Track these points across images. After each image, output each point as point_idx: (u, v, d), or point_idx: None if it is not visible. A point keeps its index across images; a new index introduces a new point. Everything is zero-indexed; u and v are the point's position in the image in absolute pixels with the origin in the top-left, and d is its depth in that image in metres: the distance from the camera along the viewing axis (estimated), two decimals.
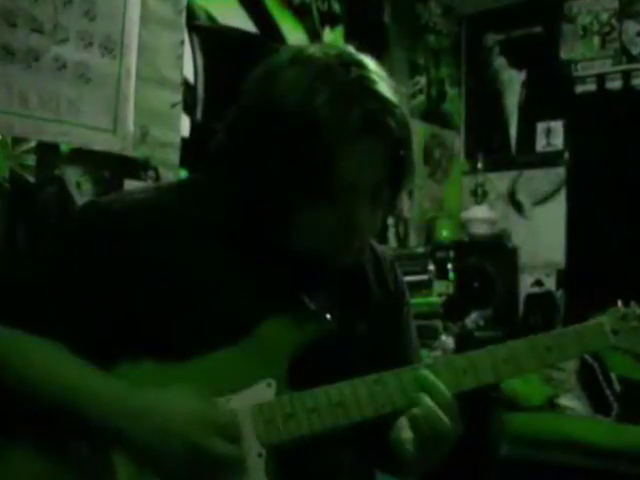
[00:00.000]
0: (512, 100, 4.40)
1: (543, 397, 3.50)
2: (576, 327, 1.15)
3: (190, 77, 3.06)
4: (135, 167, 2.82)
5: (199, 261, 1.15)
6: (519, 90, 4.38)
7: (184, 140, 2.99)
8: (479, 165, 4.44)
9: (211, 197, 1.19)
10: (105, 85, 2.70)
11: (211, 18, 3.14)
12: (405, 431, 1.13)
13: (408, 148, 1.12)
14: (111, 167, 2.74)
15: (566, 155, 4.20)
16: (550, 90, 4.23)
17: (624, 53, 4.02)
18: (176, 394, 1.08)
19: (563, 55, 4.20)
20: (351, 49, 1.14)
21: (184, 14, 2.99)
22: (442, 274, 3.83)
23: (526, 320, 4.11)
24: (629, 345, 1.13)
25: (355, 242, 1.14)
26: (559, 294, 4.14)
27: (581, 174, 4.13)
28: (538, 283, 4.21)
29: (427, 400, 1.09)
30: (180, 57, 2.98)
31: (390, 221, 3.99)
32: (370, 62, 1.12)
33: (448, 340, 3.52)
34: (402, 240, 4.12)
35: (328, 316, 1.15)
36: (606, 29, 4.07)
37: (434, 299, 3.67)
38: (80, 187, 2.64)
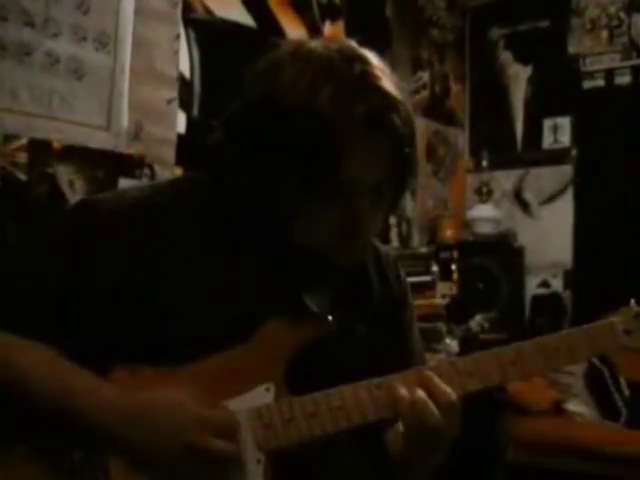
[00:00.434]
0: (518, 96, 4.41)
1: (550, 402, 3.50)
2: (586, 327, 1.15)
3: (186, 72, 3.06)
4: (130, 165, 2.81)
5: (196, 261, 1.15)
6: (525, 85, 4.38)
7: (180, 137, 2.99)
8: (484, 163, 4.44)
9: (209, 195, 1.19)
10: (99, 81, 2.69)
11: (208, 11, 3.13)
12: (397, 428, 1.13)
13: (412, 145, 1.13)
14: (105, 165, 2.73)
15: (573, 152, 4.20)
16: (557, 85, 4.23)
17: (633, 47, 4.02)
18: (172, 395, 1.07)
19: (570, 49, 4.20)
20: (353, 44, 1.14)
21: (180, 7, 2.99)
22: (446, 275, 3.83)
23: (532, 323, 4.12)
24: None
25: (357, 240, 1.14)
26: (566, 295, 4.14)
27: (589, 172, 4.13)
28: (545, 284, 4.21)
29: (418, 391, 1.08)
30: (176, 51, 2.98)
31: (392, 221, 3.99)
32: (373, 57, 1.12)
33: (452, 343, 3.53)
34: (405, 240, 4.11)
35: (329, 317, 1.15)
36: (615, 23, 4.07)
37: (437, 301, 3.67)
38: (73, 185, 2.63)
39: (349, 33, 3.68)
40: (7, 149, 2.47)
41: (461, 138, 4.55)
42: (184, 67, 3.04)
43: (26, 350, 1.09)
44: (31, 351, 1.09)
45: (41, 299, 1.10)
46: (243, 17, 3.26)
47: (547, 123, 4.28)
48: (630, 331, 1.13)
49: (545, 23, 4.31)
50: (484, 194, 4.34)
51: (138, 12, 2.81)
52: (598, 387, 3.41)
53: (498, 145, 4.44)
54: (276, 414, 1.10)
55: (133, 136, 2.81)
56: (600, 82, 4.10)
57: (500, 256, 4.11)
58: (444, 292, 3.76)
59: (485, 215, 4.27)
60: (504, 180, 4.41)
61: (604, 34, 4.11)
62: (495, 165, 4.42)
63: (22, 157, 2.50)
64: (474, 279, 4.00)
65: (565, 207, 4.18)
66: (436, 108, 4.37)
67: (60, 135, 2.60)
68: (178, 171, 2.94)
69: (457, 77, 4.53)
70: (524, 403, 3.42)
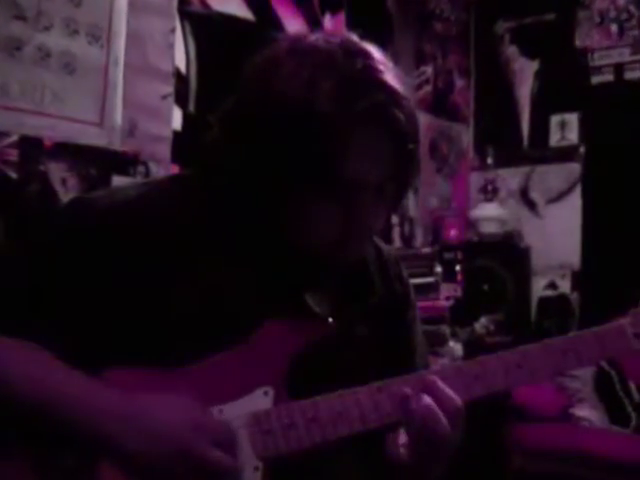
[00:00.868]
0: (524, 91, 4.41)
1: (557, 407, 3.50)
2: (595, 330, 1.15)
3: (182, 67, 3.06)
4: (124, 162, 2.82)
5: (193, 261, 1.14)
6: (532, 81, 4.39)
7: (176, 134, 2.99)
8: (489, 160, 4.44)
9: (206, 194, 1.19)
10: (91, 75, 2.70)
11: (205, 4, 3.14)
12: (401, 435, 1.13)
13: (415, 142, 1.13)
14: (98, 162, 2.74)
15: (581, 150, 4.20)
16: (565, 81, 4.23)
17: None
18: (168, 400, 1.07)
19: (578, 43, 4.21)
20: (355, 37, 1.14)
21: None
22: (450, 276, 3.84)
23: (539, 325, 4.12)
24: None
25: (357, 240, 1.15)
26: (574, 297, 4.14)
27: (597, 170, 4.13)
28: (552, 286, 4.22)
29: (426, 398, 1.08)
30: (171, 46, 2.98)
31: (395, 220, 4.00)
32: (375, 51, 1.12)
33: (456, 346, 3.53)
34: (407, 240, 4.12)
35: (330, 318, 1.15)
36: (624, 16, 4.08)
37: (441, 303, 3.67)
38: (65, 184, 2.64)
39: (350, 26, 3.68)
40: None
41: (465, 135, 4.56)
42: (180, 61, 3.05)
43: (16, 350, 1.08)
44: (22, 351, 1.08)
45: (34, 299, 1.10)
46: (241, 10, 3.27)
47: (554, 119, 4.29)
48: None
49: (552, 16, 4.31)
50: (489, 193, 4.34)
51: (132, 5, 2.81)
52: (607, 392, 3.42)
53: (503, 142, 4.44)
54: (275, 420, 1.10)
55: (127, 133, 2.81)
56: (609, 77, 4.11)
57: (506, 257, 4.12)
58: (448, 294, 3.76)
59: (490, 214, 4.27)
60: (510, 178, 4.41)
61: (613, 27, 4.11)
62: (500, 163, 4.42)
63: (13, 155, 2.51)
64: (479, 280, 4.00)
65: (573, 206, 4.18)
66: (440, 104, 4.37)
67: (52, 132, 2.60)
68: (174, 169, 2.94)
69: (461, 72, 4.53)
70: (531, 409, 3.42)
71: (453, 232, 4.25)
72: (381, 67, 1.09)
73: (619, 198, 3.96)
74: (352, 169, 1.08)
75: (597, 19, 4.16)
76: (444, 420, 1.08)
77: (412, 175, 1.17)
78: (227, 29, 3.20)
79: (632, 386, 3.33)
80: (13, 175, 2.51)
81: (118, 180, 2.76)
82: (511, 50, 4.48)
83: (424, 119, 4.12)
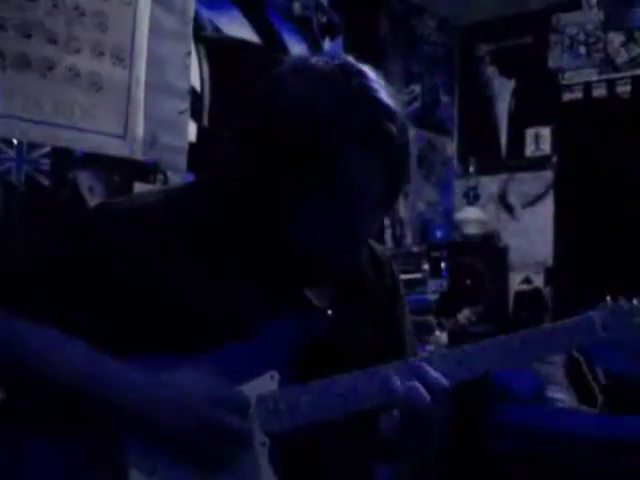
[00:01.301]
0: (502, 107, 4.40)
1: (532, 389, 3.49)
2: (566, 321, 1.14)
3: (197, 85, 3.06)
4: (144, 171, 2.81)
5: (204, 260, 1.14)
6: (509, 98, 4.38)
7: (191, 145, 2.99)
8: (471, 169, 4.44)
9: (217, 198, 1.19)
10: (116, 93, 2.69)
11: (217, 29, 3.13)
12: (392, 415, 1.13)
13: (407, 152, 1.13)
14: (122, 171, 2.73)
15: (554, 159, 4.19)
16: (539, 98, 4.22)
17: (609, 63, 4.01)
18: (188, 373, 1.07)
19: (551, 64, 4.20)
20: (351, 59, 1.14)
21: (191, 26, 2.99)
22: (436, 272, 3.83)
23: (516, 317, 4.11)
24: (618, 339, 1.12)
25: (355, 242, 1.15)
26: (547, 292, 4.13)
27: (568, 177, 4.12)
28: (527, 281, 4.21)
29: (411, 379, 1.08)
30: (187, 66, 2.98)
31: (387, 222, 3.99)
32: (370, 71, 1.12)
33: (442, 335, 3.53)
34: (398, 240, 4.11)
35: (329, 312, 1.15)
36: (592, 40, 4.07)
37: (428, 296, 3.66)
38: (92, 190, 2.63)
39: (347, 49, 3.68)
40: (32, 156, 2.47)
41: (450, 146, 4.55)
42: (195, 81, 3.05)
43: (44, 334, 1.08)
44: (49, 336, 1.08)
45: (62, 292, 1.10)
46: (250, 35, 3.26)
47: (529, 132, 4.28)
48: (607, 326, 1.13)
49: (528, 40, 4.31)
50: (471, 198, 4.33)
51: (153, 30, 2.81)
52: (576, 376, 3.41)
53: (484, 152, 4.43)
54: (280, 400, 1.10)
55: (148, 144, 2.81)
56: (578, 95, 4.10)
57: (486, 255, 4.11)
58: (434, 288, 3.76)
59: (472, 217, 4.26)
60: (490, 185, 4.40)
61: (582, 50, 4.11)
62: (481, 171, 4.41)
63: (45, 164, 2.51)
64: (462, 276, 3.99)
65: (546, 210, 4.17)
66: (427, 118, 4.36)
67: (81, 143, 2.60)
68: (189, 177, 2.94)
69: (446, 90, 4.52)
70: (508, 391, 3.42)
71: (439, 233, 4.24)
72: (376, 86, 1.09)
73: (588, 202, 3.96)
74: (351, 179, 1.08)
75: (568, 42, 4.15)
76: (427, 398, 1.07)
77: (404, 182, 1.17)
78: (237, 52, 3.19)
79: (599, 370, 3.33)
80: (46, 182, 2.51)
81: (139, 187, 2.76)
82: (491, 70, 4.47)
83: (413, 132, 4.11)
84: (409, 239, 4.18)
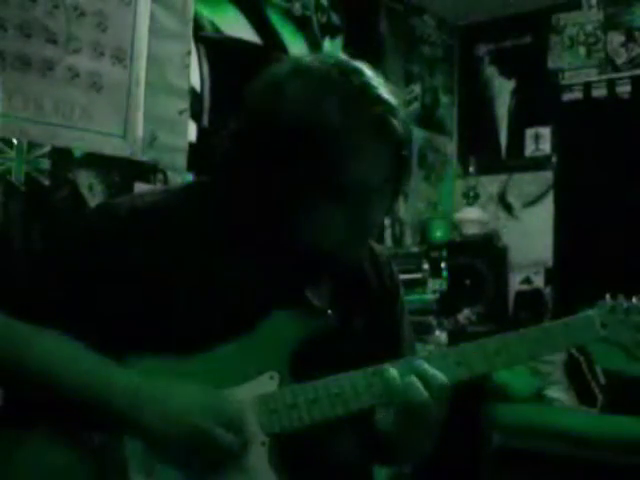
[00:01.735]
0: (502, 107, 4.40)
1: (531, 389, 3.49)
2: (565, 320, 1.14)
3: (197, 85, 3.06)
4: (144, 171, 2.82)
5: (205, 259, 1.14)
6: (509, 98, 4.38)
7: (191, 145, 2.99)
8: (471, 169, 4.44)
9: (218, 198, 1.19)
10: (116, 93, 2.70)
11: (217, 29, 3.13)
12: (387, 414, 1.13)
13: (409, 146, 1.13)
14: (121, 171, 2.73)
15: (553, 159, 4.20)
16: (538, 98, 4.23)
17: (609, 63, 4.01)
18: (186, 385, 1.07)
19: (551, 64, 4.20)
20: (345, 57, 1.14)
21: (191, 25, 2.99)
22: (436, 272, 3.83)
23: (516, 316, 4.11)
24: (617, 337, 1.12)
25: (361, 237, 1.15)
26: (547, 291, 4.13)
27: (568, 177, 4.13)
28: (527, 281, 4.21)
29: (410, 376, 1.08)
30: (187, 66, 2.98)
31: (387, 222, 3.99)
32: (366, 68, 1.12)
33: (442, 335, 3.53)
34: (398, 240, 4.11)
35: (329, 311, 1.15)
36: (592, 40, 4.07)
37: (428, 296, 3.66)
38: (92, 190, 2.63)
39: (347, 49, 3.68)
40: (32, 156, 2.47)
41: (450, 146, 4.55)
42: (195, 81, 3.05)
43: (47, 337, 1.08)
44: (56, 341, 1.08)
45: (64, 292, 1.10)
46: (249, 35, 3.26)
47: (529, 132, 4.28)
48: (606, 324, 1.13)
49: (527, 40, 4.31)
50: (471, 197, 4.33)
51: (152, 30, 2.81)
52: (576, 375, 3.41)
53: (484, 152, 4.43)
54: (280, 400, 1.10)
55: (148, 144, 2.81)
56: (578, 94, 4.10)
57: (486, 255, 4.11)
58: (434, 288, 3.76)
59: (472, 217, 4.26)
60: (490, 185, 4.40)
61: (582, 50, 4.11)
62: (481, 171, 4.42)
63: (45, 163, 2.51)
64: (462, 276, 3.99)
65: (546, 209, 4.17)
66: (427, 118, 4.36)
67: (80, 143, 2.60)
68: (189, 177, 2.94)
69: (446, 90, 4.52)
70: (508, 390, 3.42)
71: (439, 233, 4.24)
72: (375, 82, 1.10)
73: (587, 202, 3.96)
74: (357, 174, 1.08)
75: (567, 43, 4.15)
76: (425, 394, 1.07)
77: (407, 175, 1.17)
78: (237, 51, 3.19)
79: (598, 370, 3.33)
80: (46, 182, 2.51)
81: (139, 187, 2.76)
82: (490, 70, 4.47)
83: (413, 132, 4.10)
84: (409, 239, 4.18)
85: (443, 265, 3.89)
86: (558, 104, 4.15)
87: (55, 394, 1.07)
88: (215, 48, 3.12)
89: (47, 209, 2.48)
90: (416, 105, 4.28)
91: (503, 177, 4.37)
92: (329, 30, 3.67)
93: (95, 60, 2.63)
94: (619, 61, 3.98)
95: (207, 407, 1.06)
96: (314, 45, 3.54)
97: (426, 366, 1.10)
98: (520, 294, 4.19)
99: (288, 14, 3.44)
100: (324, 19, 3.64)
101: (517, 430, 3.31)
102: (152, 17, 2.81)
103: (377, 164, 1.10)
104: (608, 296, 1.15)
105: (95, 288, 1.10)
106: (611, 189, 3.85)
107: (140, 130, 2.77)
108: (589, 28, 4.09)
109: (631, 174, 3.79)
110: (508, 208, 4.34)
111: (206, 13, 3.08)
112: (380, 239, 3.83)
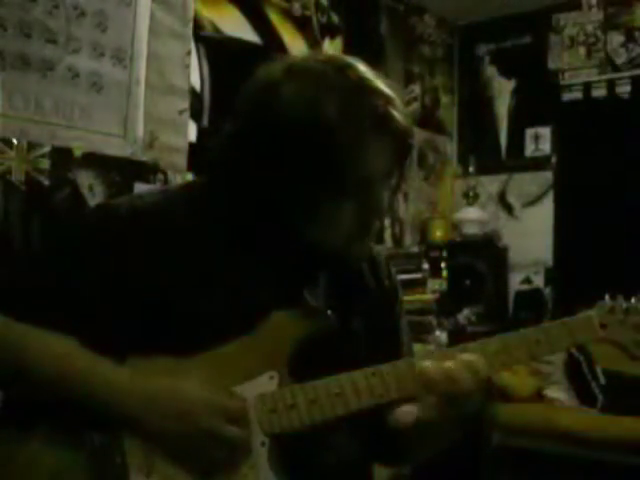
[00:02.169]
0: (502, 107, 4.40)
1: (531, 389, 3.49)
2: (565, 320, 1.14)
3: (197, 85, 3.06)
4: (144, 171, 2.81)
5: (203, 259, 1.14)
6: (509, 98, 4.38)
7: (191, 145, 2.99)
8: (471, 169, 4.44)
9: (217, 199, 1.19)
10: (116, 93, 2.69)
11: (217, 29, 3.13)
12: (407, 413, 1.13)
13: (411, 136, 1.13)
14: (121, 171, 2.73)
15: (553, 159, 4.19)
16: (538, 98, 4.22)
17: (609, 63, 4.01)
18: (187, 382, 1.07)
19: (551, 64, 4.20)
20: (336, 54, 1.15)
21: (191, 25, 2.99)
22: (436, 272, 3.83)
23: (516, 316, 4.11)
24: (616, 337, 1.12)
25: (370, 233, 1.15)
26: (547, 291, 4.13)
27: (568, 177, 4.12)
28: (527, 281, 4.21)
29: (447, 363, 1.07)
30: (187, 66, 2.98)
31: (386, 222, 3.99)
32: (359, 62, 1.12)
33: (442, 335, 3.52)
34: (398, 240, 4.11)
35: (328, 312, 1.15)
36: (591, 40, 4.07)
37: (428, 296, 3.66)
38: (92, 190, 2.63)
39: (346, 49, 3.68)
40: (31, 156, 2.47)
41: (450, 146, 4.55)
42: (195, 80, 3.04)
43: (43, 337, 1.08)
44: (55, 341, 1.08)
45: (63, 292, 1.10)
46: (249, 35, 3.26)
47: (529, 132, 4.28)
48: (605, 324, 1.13)
49: (527, 40, 4.31)
50: (471, 197, 4.33)
51: (152, 30, 2.81)
52: (576, 375, 3.41)
53: (484, 152, 4.43)
54: (279, 400, 1.10)
55: (148, 144, 2.81)
56: (578, 95, 4.10)
57: (486, 255, 4.11)
58: (434, 288, 3.75)
59: (472, 217, 4.26)
60: (489, 185, 4.40)
61: (582, 50, 4.11)
62: (481, 171, 4.42)
63: (45, 163, 2.51)
64: (462, 276, 3.99)
65: (546, 209, 4.17)
66: (427, 118, 4.36)
67: (80, 143, 2.60)
68: (189, 176, 2.94)
69: (446, 90, 4.52)
70: (508, 390, 3.42)
71: (439, 233, 4.24)
72: (370, 76, 1.10)
73: (587, 202, 3.96)
74: (363, 168, 1.08)
75: (567, 43, 4.15)
76: (470, 379, 1.06)
77: (409, 165, 1.17)
78: (237, 51, 3.19)
79: (598, 370, 3.32)
80: (45, 182, 2.50)
81: (139, 187, 2.76)
82: (490, 70, 4.47)
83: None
84: (408, 239, 4.18)
85: (443, 265, 3.89)
86: (558, 104, 4.15)
87: (53, 394, 1.07)
88: (215, 48, 3.11)
89: (47, 209, 2.48)
90: (416, 105, 4.28)
91: (503, 177, 4.36)
92: (329, 30, 3.67)
93: (95, 60, 2.63)
94: (619, 61, 3.98)
95: (211, 403, 1.06)
96: (314, 45, 3.54)
97: (459, 354, 1.09)
98: (520, 294, 4.19)
99: (288, 14, 3.44)
100: (324, 19, 3.64)
101: (517, 430, 3.31)
102: (152, 17, 2.81)
103: (380, 157, 1.10)
104: (607, 296, 1.15)
105: (95, 288, 1.10)
106: (611, 189, 3.84)
107: (140, 130, 2.77)
108: (589, 28, 4.08)
109: (631, 174, 3.79)
110: (508, 208, 4.34)
111: (206, 13, 3.08)
112: (380, 239, 3.83)
